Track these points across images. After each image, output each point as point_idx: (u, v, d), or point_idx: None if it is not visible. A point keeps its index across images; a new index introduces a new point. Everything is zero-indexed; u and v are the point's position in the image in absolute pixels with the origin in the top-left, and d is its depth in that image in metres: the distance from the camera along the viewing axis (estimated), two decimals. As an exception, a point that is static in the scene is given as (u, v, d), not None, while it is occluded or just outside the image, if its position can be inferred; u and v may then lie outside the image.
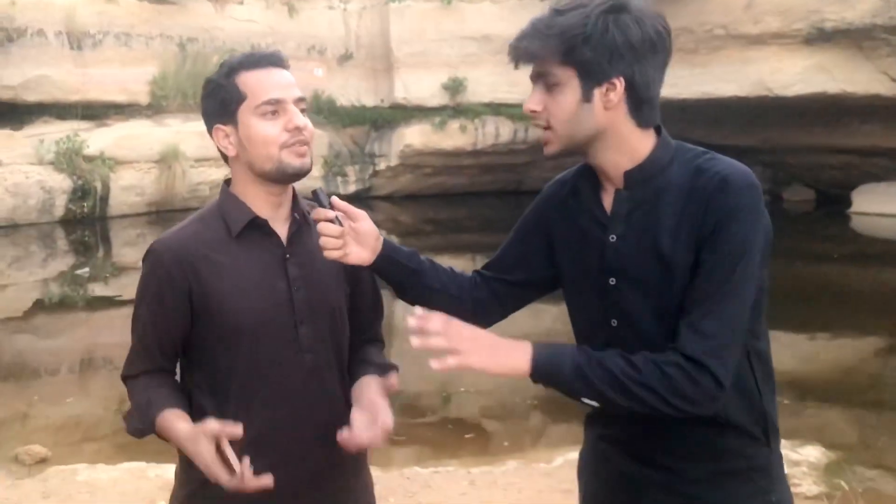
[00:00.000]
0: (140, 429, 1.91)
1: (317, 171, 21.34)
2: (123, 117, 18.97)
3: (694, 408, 1.62)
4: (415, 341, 1.65)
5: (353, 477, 2.08)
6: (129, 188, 18.15)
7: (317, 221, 1.90)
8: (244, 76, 1.90)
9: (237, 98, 1.89)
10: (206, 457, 1.78)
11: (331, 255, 1.89)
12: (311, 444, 1.95)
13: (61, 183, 17.16)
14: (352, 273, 2.05)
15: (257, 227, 1.94)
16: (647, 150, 1.74)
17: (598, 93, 1.68)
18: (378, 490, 2.24)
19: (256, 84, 1.89)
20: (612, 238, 1.76)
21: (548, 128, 1.73)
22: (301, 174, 1.93)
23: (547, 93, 1.71)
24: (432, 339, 1.64)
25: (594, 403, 1.66)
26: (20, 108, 17.91)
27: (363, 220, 1.93)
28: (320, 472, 1.98)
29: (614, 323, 1.76)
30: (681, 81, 18.38)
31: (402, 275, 1.98)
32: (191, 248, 1.91)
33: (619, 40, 1.64)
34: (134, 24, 19.36)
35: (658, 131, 1.78)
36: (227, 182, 2.02)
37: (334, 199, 1.91)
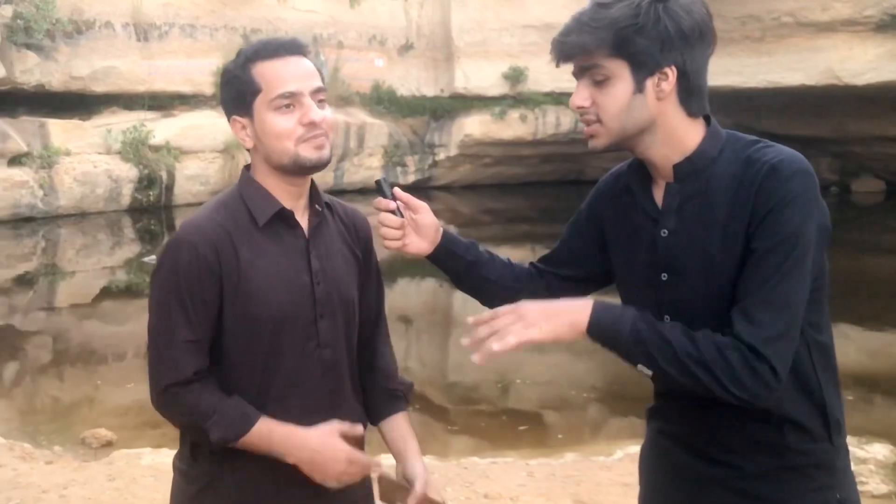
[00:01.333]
0: (229, 438, 1.82)
1: (376, 161, 21.51)
2: (188, 108, 19.31)
3: (748, 396, 1.58)
4: (465, 340, 1.64)
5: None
6: (193, 177, 18.47)
7: (378, 211, 1.89)
8: (260, 66, 1.84)
9: (252, 90, 1.84)
10: (347, 454, 1.83)
11: (390, 245, 1.90)
12: None
13: (128, 172, 17.54)
14: (361, 265, 2.04)
15: (283, 217, 1.90)
16: (696, 141, 1.71)
17: (650, 83, 1.65)
18: (435, 480, 2.24)
19: (272, 75, 1.83)
20: (664, 232, 1.73)
21: (596, 121, 1.70)
22: (319, 167, 1.87)
23: (595, 87, 1.68)
24: (481, 332, 1.61)
25: (648, 372, 1.63)
26: (88, 98, 18.36)
27: (424, 212, 1.93)
28: None
29: (667, 318, 1.73)
30: (747, 70, 18.07)
31: (459, 266, 1.99)
32: (222, 235, 1.85)
33: (671, 28, 1.62)
34: (199, 15, 19.68)
35: (707, 121, 1.74)
36: (247, 167, 1.97)
37: (396, 189, 1.90)
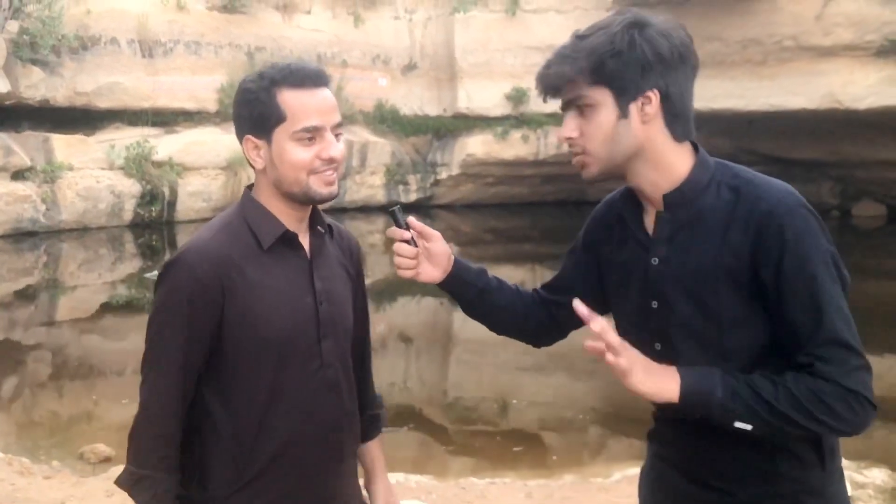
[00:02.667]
0: None
1: (378, 180, 21.54)
2: (192, 124, 19.37)
3: (851, 430, 1.62)
4: (590, 343, 1.63)
5: (356, 492, 2.12)
6: (196, 194, 18.51)
7: (393, 241, 1.93)
8: (286, 94, 1.83)
9: (277, 117, 1.83)
10: None
11: (404, 274, 1.95)
12: (329, 458, 1.96)
13: (130, 188, 17.57)
14: (354, 286, 2.08)
15: (286, 239, 1.91)
16: (686, 170, 1.73)
17: (633, 108, 1.67)
18: (433, 499, 2.28)
19: (299, 107, 1.83)
20: (655, 261, 1.75)
21: (582, 153, 1.74)
22: (327, 201, 1.90)
23: (581, 117, 1.71)
24: (608, 355, 1.60)
25: (747, 427, 1.62)
26: (92, 114, 18.43)
27: (437, 241, 1.97)
28: (334, 484, 2.00)
29: (658, 346, 1.75)
30: (748, 93, 18.12)
31: (470, 293, 2.03)
32: (224, 259, 1.84)
33: (648, 53, 1.64)
34: (204, 32, 19.77)
35: (696, 149, 1.76)
36: (249, 187, 1.97)
37: (410, 219, 1.94)
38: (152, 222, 17.94)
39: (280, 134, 1.85)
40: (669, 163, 1.72)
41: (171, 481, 1.86)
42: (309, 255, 1.95)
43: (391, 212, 1.96)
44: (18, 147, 16.25)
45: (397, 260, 1.93)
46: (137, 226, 17.78)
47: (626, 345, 1.62)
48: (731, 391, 1.59)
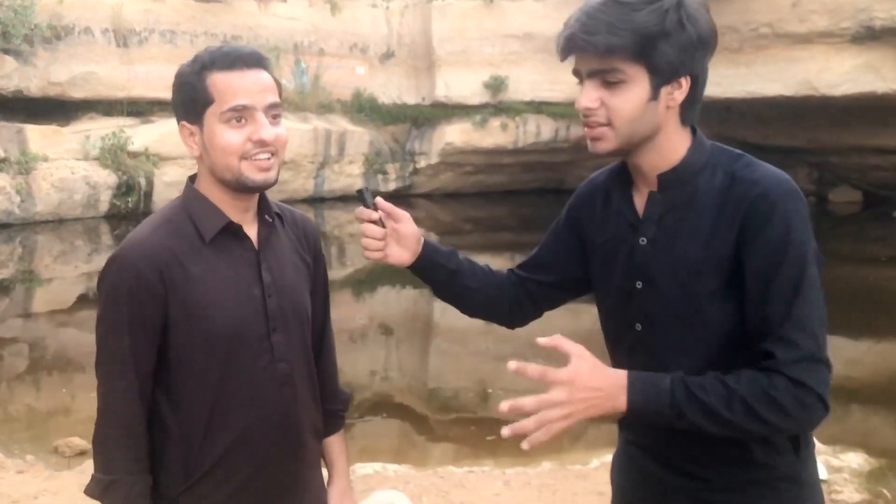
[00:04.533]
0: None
1: (357, 169, 21.47)
2: (168, 114, 19.13)
3: (801, 429, 1.62)
4: (506, 432, 1.58)
5: (318, 482, 2.08)
6: (172, 184, 18.33)
7: (360, 221, 1.88)
8: (215, 77, 1.78)
9: (204, 100, 1.79)
10: None
11: (371, 255, 1.91)
12: (284, 452, 1.92)
13: (106, 178, 17.40)
14: (311, 272, 2.02)
15: (230, 231, 1.86)
16: (683, 151, 1.70)
17: (664, 91, 1.64)
18: (411, 489, 2.25)
19: (226, 87, 1.77)
20: (643, 241, 1.72)
21: (605, 125, 1.65)
22: (262, 188, 1.84)
23: (606, 89, 1.64)
24: (528, 426, 1.56)
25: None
26: (67, 104, 18.21)
27: (406, 222, 1.93)
28: (294, 478, 1.96)
29: (638, 327, 1.74)
30: (725, 81, 18.18)
31: (440, 275, 1.98)
32: (165, 254, 1.79)
33: (693, 36, 1.60)
34: (179, 21, 19.58)
35: (693, 131, 1.74)
36: (192, 179, 1.92)
37: (378, 199, 1.90)
38: (129, 213, 17.76)
39: (210, 117, 1.80)
40: (672, 144, 1.69)
41: (143, 483, 1.82)
42: (256, 247, 1.89)
43: (359, 191, 1.92)
44: (-9, 138, 16.05)
45: (364, 241, 1.89)
46: (114, 217, 17.61)
47: (546, 398, 1.56)
48: (677, 408, 1.56)
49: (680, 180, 1.69)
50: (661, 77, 1.62)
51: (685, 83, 1.64)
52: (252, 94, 1.78)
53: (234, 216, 1.87)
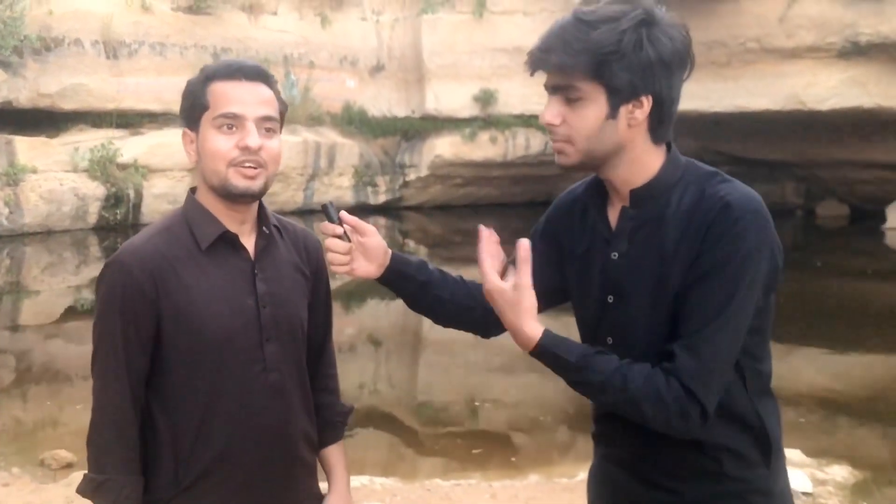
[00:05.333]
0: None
1: (347, 181, 21.49)
2: (157, 126, 19.16)
3: (677, 433, 1.64)
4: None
5: (313, 493, 2.08)
6: (161, 196, 18.32)
7: (325, 236, 1.89)
8: (215, 85, 1.85)
9: (202, 106, 1.85)
10: None
11: (338, 269, 1.91)
12: (275, 462, 1.93)
13: (95, 190, 17.37)
14: (310, 286, 2.04)
15: (227, 240, 1.89)
16: (657, 168, 1.71)
17: (623, 110, 1.64)
18: (398, 502, 2.26)
19: (221, 95, 1.84)
20: (614, 255, 1.74)
21: (565, 140, 1.68)
22: (247, 196, 1.86)
23: (566, 105, 1.66)
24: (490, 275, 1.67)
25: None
26: (56, 115, 18.18)
27: (371, 236, 1.93)
28: (286, 488, 1.97)
29: (609, 340, 1.75)
30: (713, 95, 18.30)
31: (411, 287, 1.98)
32: (159, 260, 1.83)
33: (652, 57, 1.60)
34: (169, 34, 19.59)
35: (668, 147, 1.74)
36: (193, 190, 1.96)
37: (343, 214, 1.90)
38: (117, 225, 17.73)
39: (204, 122, 1.86)
40: (644, 162, 1.70)
41: (134, 484, 1.83)
42: (253, 257, 1.92)
43: (323, 207, 1.93)
44: (-20, 149, 16.00)
45: (329, 256, 1.90)
46: (102, 229, 17.56)
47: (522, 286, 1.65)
48: (579, 369, 1.64)
49: (651, 196, 1.70)
50: (618, 96, 1.62)
51: (647, 102, 1.63)
52: (245, 104, 1.83)
53: (231, 226, 1.90)
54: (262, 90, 1.87)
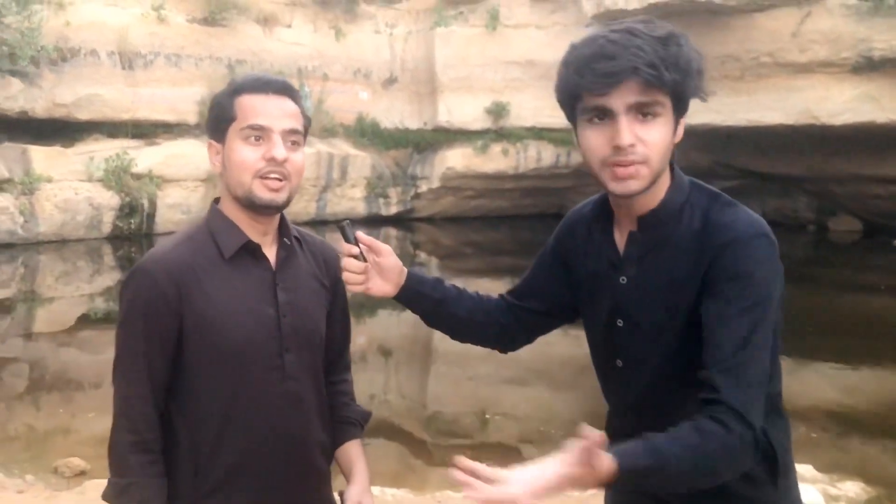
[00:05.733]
0: None
1: (359, 193, 21.54)
2: (171, 136, 19.29)
3: (747, 468, 1.58)
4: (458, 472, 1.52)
5: (328, 501, 2.10)
6: (175, 206, 18.42)
7: (336, 267, 1.92)
8: (243, 98, 1.88)
9: (229, 118, 1.88)
10: None
11: (354, 289, 1.93)
12: (290, 470, 1.95)
13: (109, 200, 17.47)
14: (329, 297, 2.07)
15: (249, 250, 1.92)
16: (664, 189, 1.71)
17: (679, 125, 1.65)
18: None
19: (249, 108, 1.87)
20: (623, 280, 1.74)
21: (642, 162, 1.60)
22: (271, 208, 1.89)
23: (639, 123, 1.59)
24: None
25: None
26: (72, 125, 18.32)
27: (387, 255, 1.94)
28: (299, 496, 1.99)
29: (619, 363, 1.75)
30: (726, 109, 18.28)
31: (427, 305, 2.00)
32: (184, 268, 1.86)
33: (697, 68, 1.61)
34: (184, 45, 19.73)
35: (671, 168, 1.73)
36: (217, 200, 1.99)
37: (359, 234, 1.92)
38: (131, 234, 17.83)
39: (231, 134, 1.89)
40: (658, 183, 1.68)
41: (157, 486, 1.85)
42: (274, 267, 1.95)
43: (339, 226, 1.95)
44: (-4, 158, 16.13)
45: (345, 275, 1.92)
46: (116, 238, 17.66)
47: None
48: (637, 479, 1.50)
49: (659, 221, 1.70)
50: (681, 111, 1.64)
51: (685, 117, 1.66)
52: (271, 117, 1.87)
53: (254, 237, 1.93)
54: (288, 104, 1.91)
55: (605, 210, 1.81)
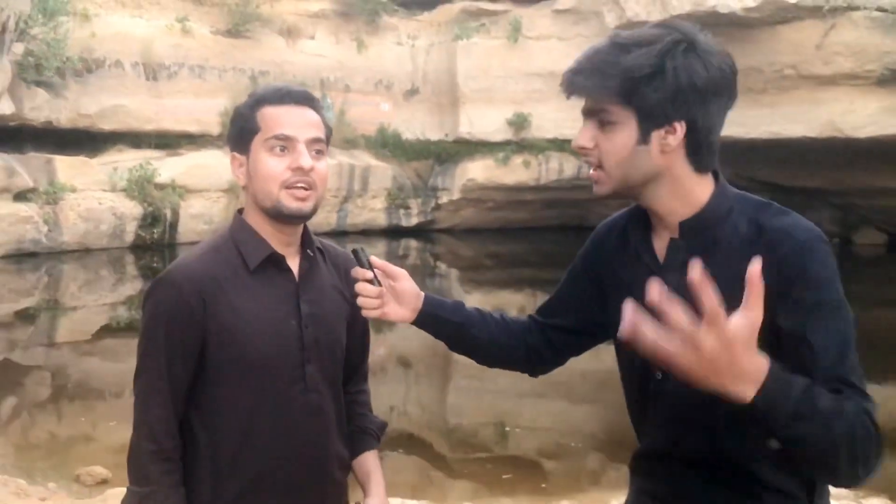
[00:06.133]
0: None
1: (380, 203, 21.60)
2: (195, 147, 19.44)
3: (868, 475, 1.48)
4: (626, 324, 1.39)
5: None
6: (197, 216, 18.54)
7: (355, 281, 1.89)
8: (266, 109, 1.89)
9: (252, 129, 1.89)
10: None
11: (368, 314, 1.89)
12: (309, 482, 1.94)
13: (132, 210, 17.62)
14: (350, 309, 2.04)
15: (273, 261, 1.92)
16: (705, 197, 1.66)
17: (656, 135, 1.59)
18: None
19: (273, 119, 1.88)
20: (665, 289, 1.70)
21: (599, 167, 1.65)
22: (298, 217, 1.89)
23: (600, 130, 1.63)
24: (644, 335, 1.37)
25: (777, 446, 1.46)
26: (96, 136, 18.52)
27: (402, 280, 1.90)
28: None
29: (659, 375, 1.70)
30: (749, 121, 18.18)
31: (447, 330, 1.95)
32: (208, 279, 1.86)
33: (684, 83, 1.56)
34: (208, 56, 19.90)
35: (716, 177, 1.69)
36: (241, 211, 2.00)
37: (373, 258, 1.90)
38: (154, 244, 17.96)
39: (255, 145, 1.89)
40: (688, 190, 1.65)
41: (176, 495, 1.85)
42: (297, 279, 1.95)
43: (353, 252, 1.92)
44: (21, 168, 16.31)
45: (360, 300, 1.87)
46: (139, 248, 17.79)
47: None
48: (797, 410, 1.40)
49: (702, 227, 1.65)
50: (649, 121, 1.58)
51: (680, 129, 1.59)
52: (296, 127, 1.87)
53: (278, 248, 1.93)
54: (310, 114, 1.92)
55: (641, 218, 1.76)
